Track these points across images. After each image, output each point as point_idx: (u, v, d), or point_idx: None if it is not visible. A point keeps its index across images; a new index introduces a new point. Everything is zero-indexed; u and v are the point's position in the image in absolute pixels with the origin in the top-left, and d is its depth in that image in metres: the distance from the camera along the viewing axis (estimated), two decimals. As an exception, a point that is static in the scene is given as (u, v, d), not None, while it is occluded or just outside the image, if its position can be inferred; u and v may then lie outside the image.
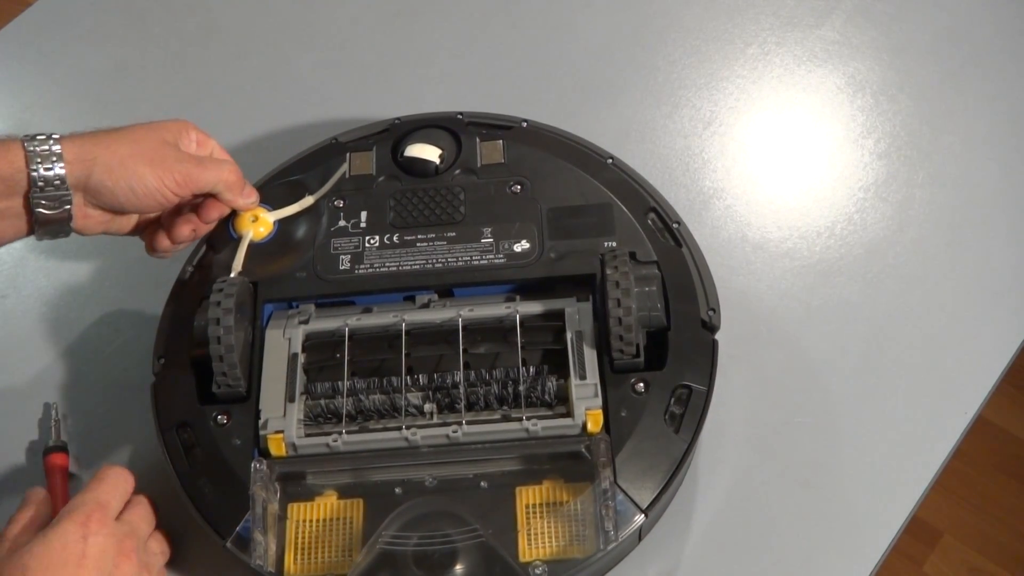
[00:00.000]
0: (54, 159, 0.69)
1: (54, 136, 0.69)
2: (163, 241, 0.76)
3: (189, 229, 0.75)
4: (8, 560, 0.62)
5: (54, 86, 1.04)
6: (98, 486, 0.67)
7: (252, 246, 0.77)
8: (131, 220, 0.76)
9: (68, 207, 0.70)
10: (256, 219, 0.77)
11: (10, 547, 0.65)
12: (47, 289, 0.90)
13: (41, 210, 0.69)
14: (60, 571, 0.62)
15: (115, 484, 0.68)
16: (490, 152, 0.80)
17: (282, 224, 0.78)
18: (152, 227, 0.77)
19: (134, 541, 0.66)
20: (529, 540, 0.66)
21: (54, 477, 0.78)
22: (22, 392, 0.84)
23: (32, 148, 0.69)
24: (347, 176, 0.80)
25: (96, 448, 0.81)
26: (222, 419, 0.70)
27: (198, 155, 0.75)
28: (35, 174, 0.68)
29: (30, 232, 0.71)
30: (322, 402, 0.70)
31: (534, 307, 0.72)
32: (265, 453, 0.69)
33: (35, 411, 0.82)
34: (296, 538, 0.68)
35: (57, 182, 0.69)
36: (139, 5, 1.09)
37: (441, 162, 0.80)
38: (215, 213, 0.76)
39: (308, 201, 0.78)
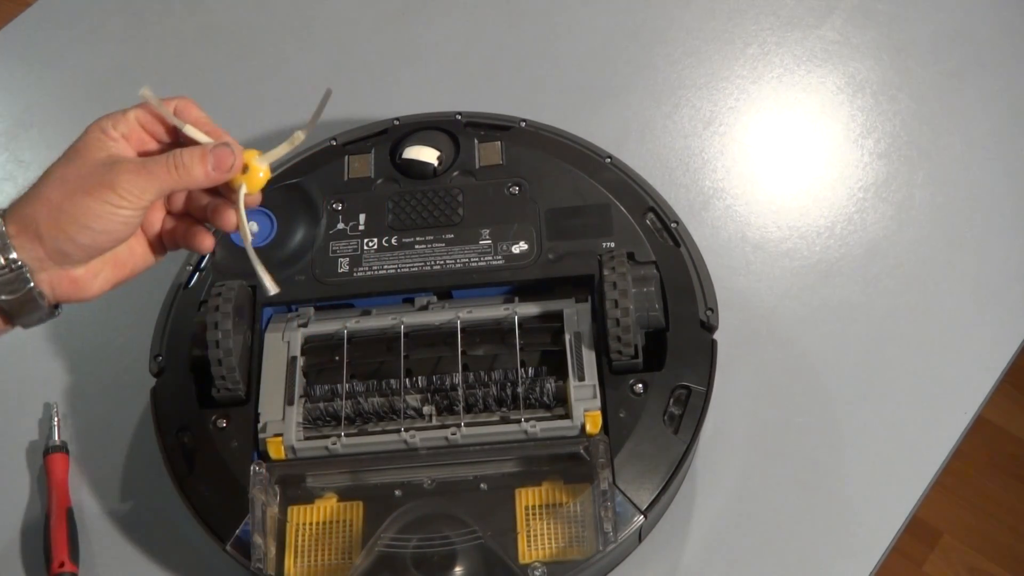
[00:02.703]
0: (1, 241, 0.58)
1: None
2: (200, 241, 0.65)
3: (203, 232, 0.65)
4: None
5: (54, 86, 1.05)
6: None
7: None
8: (135, 255, 0.64)
9: (30, 287, 0.59)
10: (247, 168, 0.63)
11: None
12: (47, 290, 0.90)
13: (2, 298, 0.59)
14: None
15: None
16: (488, 153, 0.80)
17: (280, 228, 0.78)
18: (175, 233, 0.65)
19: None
20: (528, 541, 0.66)
21: (54, 477, 0.78)
22: (22, 392, 0.84)
23: None
24: (346, 179, 0.80)
25: (96, 448, 0.81)
26: (221, 423, 0.71)
27: (134, 159, 0.61)
28: None
29: (9, 325, 0.61)
30: (321, 405, 0.70)
31: (532, 308, 0.72)
32: (264, 456, 0.69)
33: (35, 411, 0.83)
34: (296, 541, 0.68)
35: (9, 265, 0.58)
36: (139, 5, 1.09)
37: (439, 164, 0.80)
38: (204, 199, 0.64)
39: (299, 137, 0.64)
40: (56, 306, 0.62)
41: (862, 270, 0.84)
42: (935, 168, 0.89)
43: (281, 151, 0.64)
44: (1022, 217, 0.86)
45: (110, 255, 0.62)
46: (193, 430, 0.71)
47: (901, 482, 0.75)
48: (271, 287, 0.62)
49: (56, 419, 0.81)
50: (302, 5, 1.06)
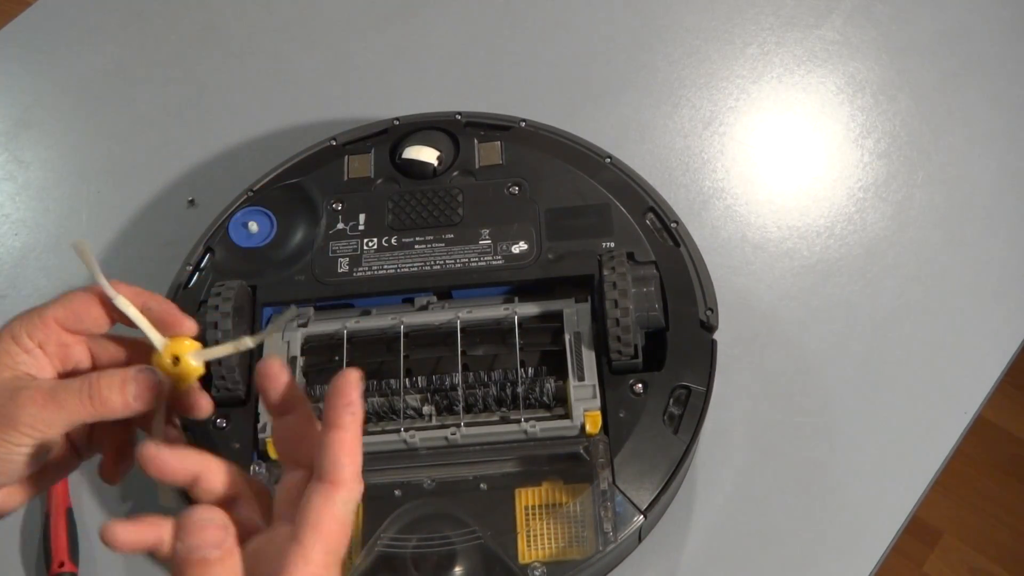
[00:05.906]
0: None
1: None
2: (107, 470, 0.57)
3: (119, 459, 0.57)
4: None
5: (54, 86, 1.04)
6: None
7: (249, 250, 0.77)
8: (50, 469, 0.56)
9: None
10: (178, 361, 0.54)
11: None
12: (47, 289, 0.90)
13: None
14: None
15: None
16: (488, 153, 0.80)
17: (280, 228, 0.78)
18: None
19: None
20: (528, 542, 0.66)
21: (54, 478, 0.78)
22: (22, 393, 0.84)
23: None
24: (346, 179, 0.80)
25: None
26: (221, 423, 0.71)
27: (43, 384, 0.52)
28: None
29: None
30: (321, 405, 0.70)
31: (532, 308, 0.72)
32: (264, 456, 0.69)
33: (35, 412, 0.82)
34: (295, 540, 0.67)
35: None
36: (139, 5, 1.09)
37: (439, 164, 0.80)
38: (120, 435, 0.57)
39: (247, 343, 0.56)
40: None
41: (862, 270, 0.84)
42: (935, 168, 0.89)
43: (222, 351, 0.56)
44: (1022, 217, 0.86)
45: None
46: (193, 430, 0.71)
47: (901, 482, 0.75)
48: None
49: (56, 419, 0.80)
50: (302, 5, 1.06)
